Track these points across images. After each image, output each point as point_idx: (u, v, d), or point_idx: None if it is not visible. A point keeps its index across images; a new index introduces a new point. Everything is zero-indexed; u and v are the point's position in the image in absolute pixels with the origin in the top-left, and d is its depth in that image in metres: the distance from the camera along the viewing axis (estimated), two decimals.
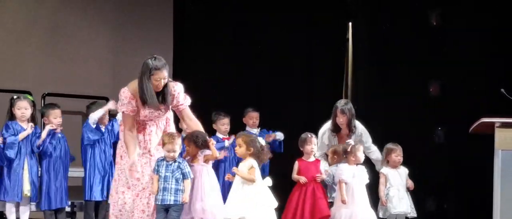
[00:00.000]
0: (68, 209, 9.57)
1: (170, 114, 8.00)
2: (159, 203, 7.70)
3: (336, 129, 9.26)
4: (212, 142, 7.92)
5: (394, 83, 10.73)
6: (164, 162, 7.73)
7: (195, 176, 7.80)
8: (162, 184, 7.69)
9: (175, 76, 12.15)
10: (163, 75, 7.62)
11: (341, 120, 9.18)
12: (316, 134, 9.12)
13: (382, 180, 9.24)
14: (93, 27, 12.22)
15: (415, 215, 9.28)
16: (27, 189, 8.97)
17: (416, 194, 9.41)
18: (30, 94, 9.99)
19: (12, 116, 9.01)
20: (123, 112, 7.73)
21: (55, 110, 9.15)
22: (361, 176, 8.89)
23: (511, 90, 9.06)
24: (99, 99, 10.20)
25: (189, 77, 11.96)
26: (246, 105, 10.35)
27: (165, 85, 7.68)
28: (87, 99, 9.99)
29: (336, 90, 11.55)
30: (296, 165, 8.91)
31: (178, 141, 7.72)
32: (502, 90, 9.05)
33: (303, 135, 8.98)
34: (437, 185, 10.21)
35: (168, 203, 7.68)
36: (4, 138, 8.88)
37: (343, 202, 8.72)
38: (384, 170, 9.27)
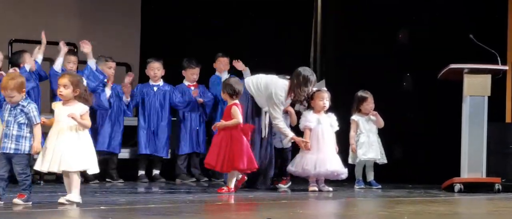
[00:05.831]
0: None
1: None
2: (0, 151, 6.95)
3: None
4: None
5: (362, 30, 10.72)
6: (8, 105, 6.98)
7: None
8: (4, 130, 6.93)
9: (144, 27, 12.12)
10: None
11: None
12: None
13: (353, 126, 9.30)
14: None
15: (385, 161, 9.36)
16: None
17: (384, 141, 9.49)
18: None
19: None
20: None
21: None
22: (328, 123, 8.93)
23: (480, 37, 9.13)
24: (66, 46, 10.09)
25: (157, 26, 11.91)
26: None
27: None
28: (55, 46, 9.87)
29: (306, 37, 11.51)
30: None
31: (19, 80, 6.91)
32: (471, 36, 9.10)
33: None
34: (405, 131, 10.27)
35: (7, 151, 6.91)
36: None
37: (307, 148, 8.76)
38: (355, 117, 9.32)
